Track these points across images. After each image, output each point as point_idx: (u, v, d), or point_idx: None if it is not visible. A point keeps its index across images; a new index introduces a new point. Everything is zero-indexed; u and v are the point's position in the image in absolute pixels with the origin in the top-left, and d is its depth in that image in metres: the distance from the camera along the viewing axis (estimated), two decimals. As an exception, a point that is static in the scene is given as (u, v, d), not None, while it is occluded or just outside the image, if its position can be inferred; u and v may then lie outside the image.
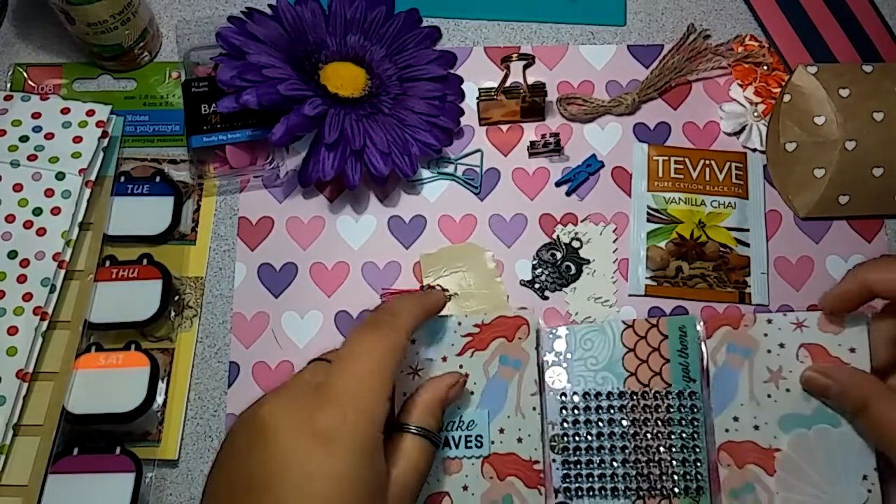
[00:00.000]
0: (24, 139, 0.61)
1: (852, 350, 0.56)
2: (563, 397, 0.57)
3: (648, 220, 0.63)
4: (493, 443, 0.56)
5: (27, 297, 0.57)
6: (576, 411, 0.57)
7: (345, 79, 0.63)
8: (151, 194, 0.62)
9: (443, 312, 0.55)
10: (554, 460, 0.56)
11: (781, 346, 0.56)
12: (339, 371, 0.45)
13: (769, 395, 0.55)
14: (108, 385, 0.56)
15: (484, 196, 0.64)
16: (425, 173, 0.65)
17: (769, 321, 0.57)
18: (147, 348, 0.58)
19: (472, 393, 0.56)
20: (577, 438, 0.56)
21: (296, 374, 0.48)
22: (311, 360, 0.49)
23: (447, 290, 0.61)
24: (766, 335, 0.57)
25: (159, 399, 0.58)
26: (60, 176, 0.60)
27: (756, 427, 0.55)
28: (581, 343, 0.58)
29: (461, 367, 0.57)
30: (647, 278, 0.61)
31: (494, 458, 0.56)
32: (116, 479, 0.54)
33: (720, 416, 0.56)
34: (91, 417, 0.55)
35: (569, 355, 0.58)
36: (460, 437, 0.56)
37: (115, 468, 0.55)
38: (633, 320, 0.58)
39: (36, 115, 0.62)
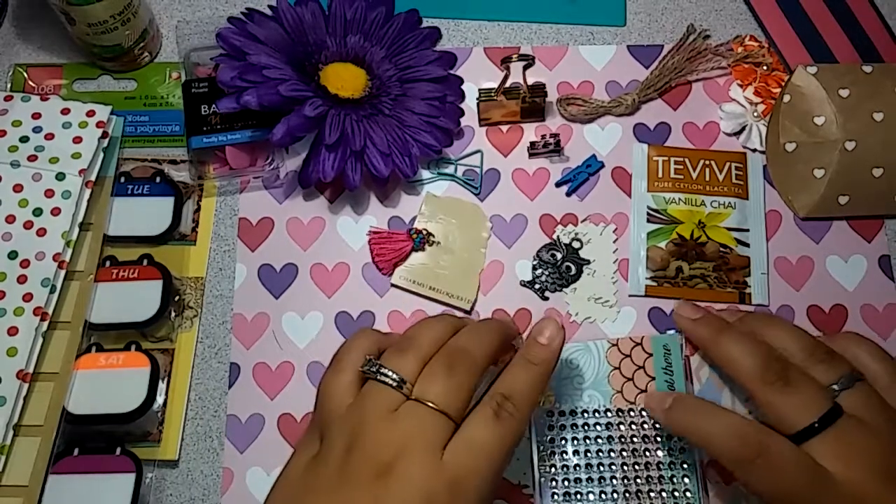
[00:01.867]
0: (24, 140, 0.61)
1: None
2: (551, 416, 0.57)
3: (648, 221, 0.63)
4: None
5: (27, 297, 0.57)
6: (563, 430, 0.57)
7: (345, 80, 0.63)
8: (151, 195, 0.62)
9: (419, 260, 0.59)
10: (543, 480, 0.56)
11: None
12: (465, 464, 0.45)
13: (750, 413, 0.55)
14: (109, 385, 0.56)
15: (484, 197, 0.64)
16: (425, 174, 0.65)
17: None
18: (147, 349, 0.58)
19: None
20: (565, 457, 0.56)
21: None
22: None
23: (433, 235, 0.62)
24: None
25: (159, 399, 0.58)
26: (60, 176, 0.60)
27: None
28: (567, 362, 0.58)
29: None
30: (647, 279, 0.61)
31: None
32: (117, 480, 0.54)
33: None
34: (91, 418, 0.55)
35: (555, 374, 0.58)
36: None
37: (115, 468, 0.55)
38: (618, 339, 0.58)
39: (36, 116, 0.62)
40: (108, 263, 0.60)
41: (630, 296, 0.61)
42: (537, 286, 0.62)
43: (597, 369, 0.58)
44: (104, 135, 0.62)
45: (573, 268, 0.62)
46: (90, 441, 0.56)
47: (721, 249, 0.62)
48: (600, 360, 0.58)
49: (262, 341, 0.60)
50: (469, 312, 0.61)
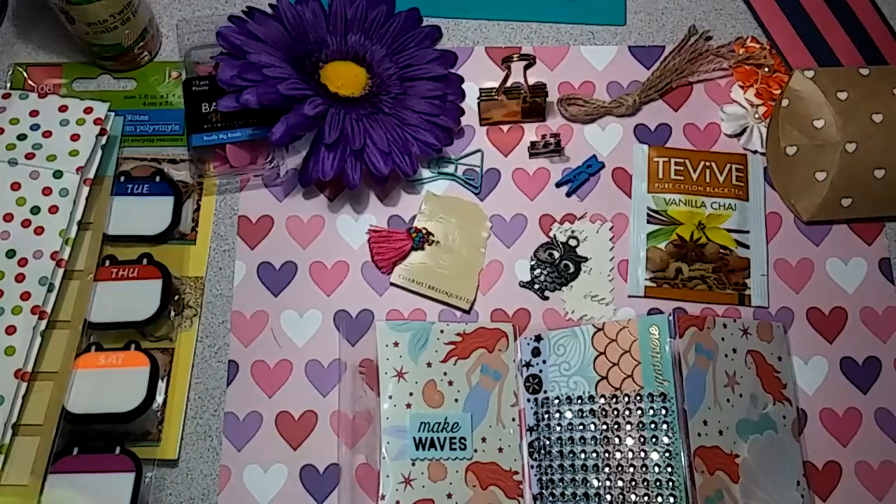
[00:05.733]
0: (21, 137, 0.61)
1: (780, 359, 0.58)
2: (538, 403, 0.58)
3: (648, 222, 0.63)
4: (476, 451, 0.56)
5: (25, 296, 0.57)
6: (549, 416, 0.57)
7: (345, 78, 0.63)
8: (151, 194, 0.62)
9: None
10: (532, 466, 0.56)
11: (734, 350, 0.57)
12: None
13: (728, 400, 0.55)
14: (108, 385, 0.56)
15: (484, 196, 0.64)
16: (425, 173, 0.65)
17: (725, 325, 0.58)
18: (147, 348, 0.58)
19: (456, 400, 0.57)
20: (550, 443, 0.56)
21: None
22: None
23: (432, 235, 0.62)
24: (723, 339, 0.57)
25: (159, 399, 0.58)
26: (58, 174, 0.60)
27: (720, 432, 0.55)
28: (554, 349, 0.58)
29: (445, 373, 0.58)
30: (646, 279, 0.61)
31: (477, 466, 0.56)
32: (116, 479, 0.54)
33: (693, 419, 0.54)
34: (91, 417, 0.55)
35: (543, 361, 0.58)
36: (445, 438, 0.56)
37: (114, 468, 0.55)
38: (604, 323, 0.58)
39: (34, 113, 0.62)
40: (107, 263, 0.60)
41: (629, 296, 0.61)
42: (536, 286, 0.62)
43: (582, 355, 0.58)
44: (102, 132, 0.62)
45: (572, 266, 0.62)
46: (90, 440, 0.56)
47: (721, 251, 0.62)
48: (586, 346, 0.58)
49: (260, 339, 0.60)
50: (468, 312, 0.61)
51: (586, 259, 0.62)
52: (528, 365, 0.59)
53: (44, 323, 0.57)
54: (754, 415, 0.56)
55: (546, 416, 0.57)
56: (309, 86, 0.60)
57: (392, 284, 0.61)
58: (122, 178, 0.63)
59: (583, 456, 0.55)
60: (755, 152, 0.65)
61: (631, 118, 0.66)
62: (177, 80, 0.67)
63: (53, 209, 0.59)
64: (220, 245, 0.63)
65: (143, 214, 0.62)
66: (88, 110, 0.62)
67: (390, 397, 0.56)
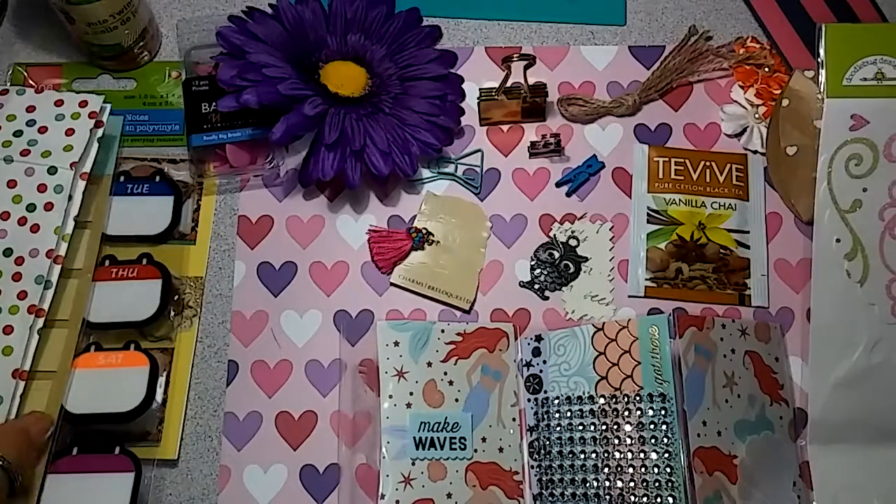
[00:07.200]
0: (17, 134, 0.60)
1: (777, 359, 0.58)
2: (538, 403, 0.58)
3: (648, 222, 0.63)
4: (476, 450, 0.56)
5: (22, 295, 0.56)
6: (549, 417, 0.57)
7: (345, 78, 0.63)
8: (151, 194, 0.62)
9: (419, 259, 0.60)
10: (532, 466, 0.56)
11: (732, 351, 0.57)
12: None
13: (726, 401, 0.55)
14: (108, 385, 0.56)
15: (484, 196, 0.64)
16: (425, 173, 0.65)
17: (723, 326, 0.57)
18: (146, 348, 0.58)
19: (456, 400, 0.57)
20: (550, 443, 0.56)
21: None
22: None
23: (432, 235, 0.62)
24: (721, 339, 0.57)
25: (159, 399, 0.58)
26: (52, 170, 0.59)
27: (719, 433, 0.55)
28: (555, 349, 0.58)
29: (445, 373, 0.58)
30: (646, 280, 0.61)
31: (477, 466, 0.56)
32: (116, 479, 0.54)
33: (692, 420, 0.54)
34: (90, 417, 0.55)
35: (543, 361, 0.58)
36: (445, 438, 0.56)
37: (114, 468, 0.55)
38: (604, 322, 0.58)
39: (31, 109, 0.61)
40: (107, 262, 0.60)
41: (629, 296, 0.61)
42: (536, 286, 0.62)
43: (582, 355, 0.57)
44: (98, 124, 0.61)
45: (572, 266, 0.62)
46: (89, 440, 0.56)
47: (721, 251, 0.62)
48: (586, 346, 0.58)
49: (260, 339, 0.60)
50: (468, 312, 0.61)
51: (586, 259, 0.62)
52: (528, 365, 0.59)
53: (41, 322, 0.56)
54: (752, 415, 0.56)
55: (546, 416, 0.57)
56: (309, 86, 0.60)
57: (392, 284, 0.61)
58: (122, 178, 0.63)
59: (582, 456, 0.55)
60: (755, 152, 0.65)
61: (631, 118, 0.66)
62: (177, 80, 0.67)
63: (49, 206, 0.59)
64: (220, 245, 0.63)
65: (143, 214, 0.61)
66: (83, 104, 0.61)
67: (390, 397, 0.56)
